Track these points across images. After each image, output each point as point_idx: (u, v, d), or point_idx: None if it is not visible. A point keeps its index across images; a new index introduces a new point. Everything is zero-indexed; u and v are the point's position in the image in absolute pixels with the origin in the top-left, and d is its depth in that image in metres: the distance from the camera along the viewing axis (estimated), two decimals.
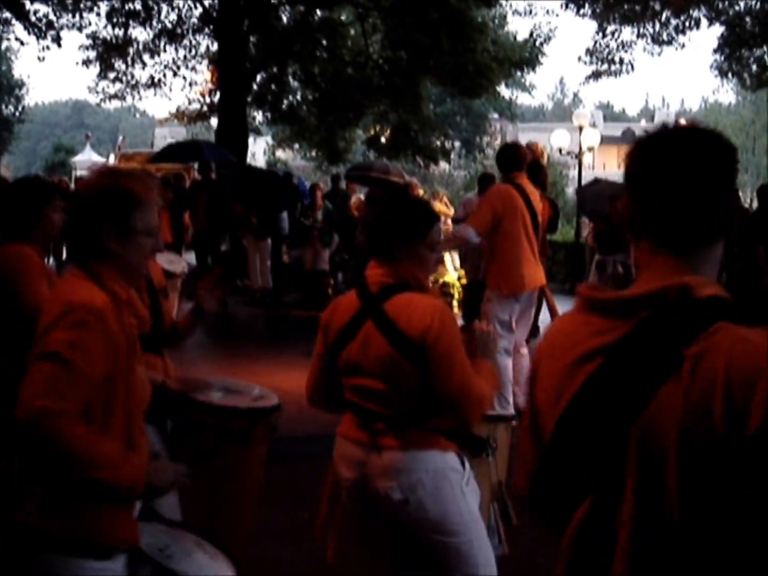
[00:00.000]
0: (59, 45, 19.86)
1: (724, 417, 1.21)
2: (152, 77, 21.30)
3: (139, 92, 21.64)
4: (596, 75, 21.57)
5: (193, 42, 21.11)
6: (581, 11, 20.26)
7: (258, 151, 34.26)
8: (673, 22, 20.43)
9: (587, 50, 21.33)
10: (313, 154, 26.27)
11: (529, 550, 4.52)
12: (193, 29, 20.81)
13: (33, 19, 19.44)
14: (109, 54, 20.75)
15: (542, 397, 1.53)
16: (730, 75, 22.27)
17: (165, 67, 21.21)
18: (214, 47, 20.43)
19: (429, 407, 2.74)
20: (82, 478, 1.95)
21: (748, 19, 20.00)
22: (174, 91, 61.08)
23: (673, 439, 1.26)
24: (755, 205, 18.53)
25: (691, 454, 1.24)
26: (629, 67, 21.30)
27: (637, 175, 1.44)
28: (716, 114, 63.61)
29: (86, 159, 38.96)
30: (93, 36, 20.49)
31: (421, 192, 13.97)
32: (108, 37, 20.54)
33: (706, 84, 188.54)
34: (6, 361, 3.09)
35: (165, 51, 21.03)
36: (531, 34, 20.99)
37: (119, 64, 21.07)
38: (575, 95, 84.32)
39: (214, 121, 21.52)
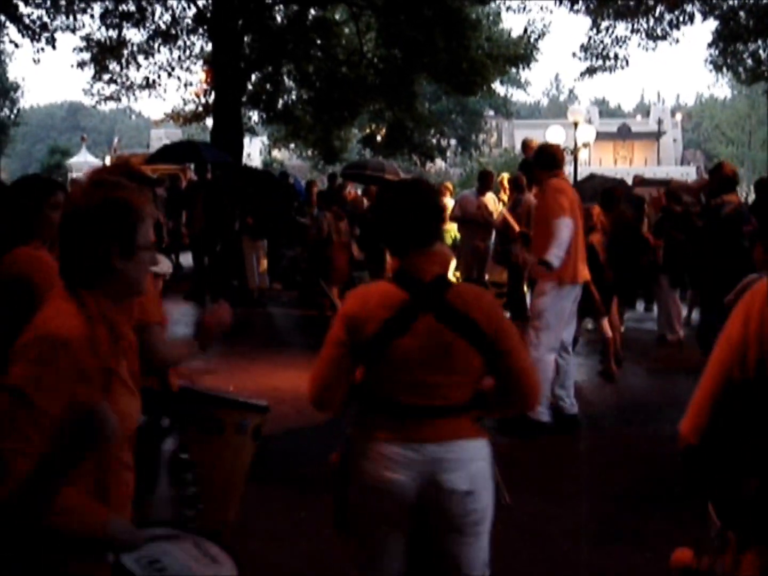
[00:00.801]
0: (53, 47, 19.86)
1: None
2: (147, 78, 21.26)
3: (134, 93, 21.60)
4: (591, 71, 21.57)
5: (188, 42, 21.11)
6: (575, 7, 20.26)
7: (254, 151, 34.27)
8: (667, 17, 20.43)
9: (582, 46, 21.35)
10: (309, 153, 26.29)
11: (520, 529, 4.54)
12: (187, 30, 20.78)
13: (27, 21, 19.43)
14: (103, 56, 20.70)
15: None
16: (724, 69, 22.32)
17: (159, 68, 21.18)
18: (209, 47, 20.41)
19: (480, 396, 2.77)
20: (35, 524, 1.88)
21: (742, 13, 20.02)
22: (169, 92, 61.22)
23: None
24: (750, 198, 18.61)
25: None
26: (624, 62, 21.32)
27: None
28: (711, 108, 63.70)
29: (82, 161, 38.92)
30: (87, 38, 20.45)
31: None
32: (102, 39, 20.49)
33: (701, 79, 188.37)
34: None
35: (159, 52, 21.01)
36: (525, 31, 20.99)
37: (114, 66, 21.03)
38: (570, 91, 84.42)
39: (209, 122, 21.49)
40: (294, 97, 22.60)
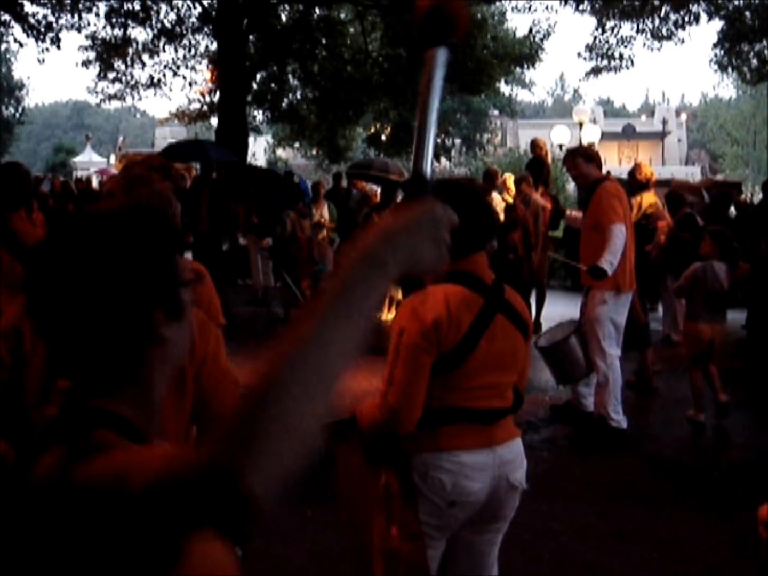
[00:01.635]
0: (58, 46, 19.83)
1: None
2: (152, 77, 21.28)
3: (138, 92, 21.62)
4: (596, 71, 21.53)
5: (193, 41, 21.11)
6: (580, 7, 20.22)
7: (258, 150, 34.28)
8: (673, 17, 20.38)
9: (587, 46, 21.30)
10: (314, 152, 26.31)
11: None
12: (193, 29, 20.80)
13: (32, 20, 19.43)
14: (108, 54, 20.73)
15: None
16: (730, 69, 22.25)
17: (164, 66, 21.20)
18: (214, 47, 20.42)
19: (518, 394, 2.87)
20: None
21: (747, 13, 19.96)
22: (174, 91, 61.13)
23: None
24: (756, 198, 18.56)
25: None
26: (629, 62, 21.26)
27: None
28: (716, 108, 63.55)
29: (86, 160, 39.02)
30: (92, 37, 20.48)
31: None
32: (107, 38, 20.52)
33: (706, 79, 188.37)
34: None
35: (164, 51, 21.02)
36: (530, 31, 20.95)
37: (119, 65, 21.06)
38: (575, 91, 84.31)
39: (214, 121, 21.52)
40: (299, 96, 22.59)
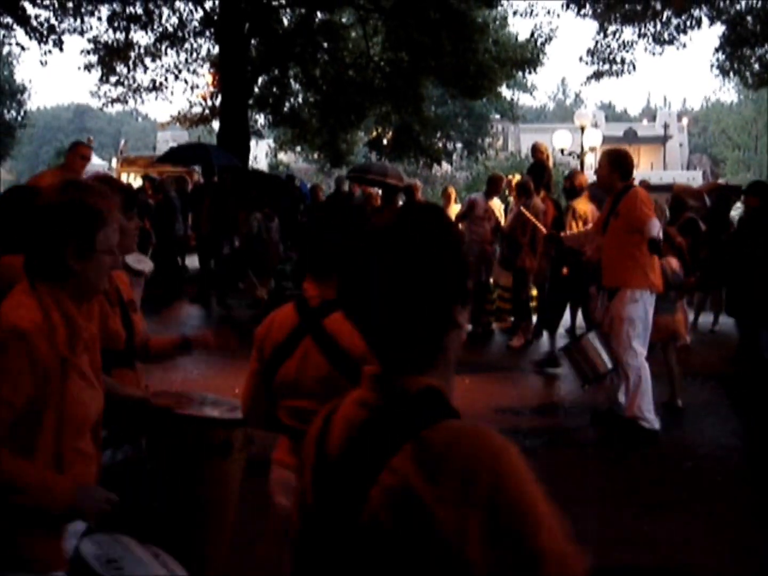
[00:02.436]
0: (61, 49, 19.87)
1: None
2: (154, 81, 21.34)
3: (140, 96, 21.69)
4: (597, 75, 21.56)
5: (195, 45, 21.17)
6: (582, 11, 20.25)
7: (260, 153, 34.26)
8: (674, 21, 20.42)
9: (588, 50, 21.35)
10: (315, 156, 26.28)
11: None
12: (194, 32, 20.84)
13: (34, 23, 19.45)
14: (110, 58, 20.76)
15: None
16: (731, 74, 22.27)
17: (166, 70, 21.25)
18: (215, 50, 20.46)
19: None
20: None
21: (749, 17, 19.98)
22: (176, 95, 61.28)
23: None
24: None
25: None
26: (631, 66, 21.31)
27: None
28: (718, 113, 63.55)
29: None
30: (94, 40, 20.52)
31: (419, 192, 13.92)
32: (109, 41, 20.56)
33: (708, 83, 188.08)
34: None
35: (166, 54, 21.08)
36: (532, 35, 20.93)
37: (121, 68, 21.09)
38: (577, 96, 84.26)
39: (215, 124, 21.54)
40: (300, 100, 22.61)
